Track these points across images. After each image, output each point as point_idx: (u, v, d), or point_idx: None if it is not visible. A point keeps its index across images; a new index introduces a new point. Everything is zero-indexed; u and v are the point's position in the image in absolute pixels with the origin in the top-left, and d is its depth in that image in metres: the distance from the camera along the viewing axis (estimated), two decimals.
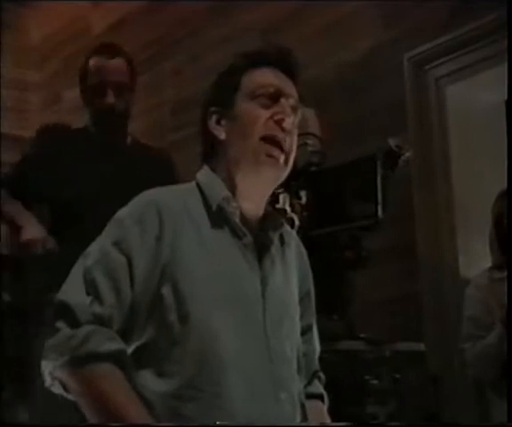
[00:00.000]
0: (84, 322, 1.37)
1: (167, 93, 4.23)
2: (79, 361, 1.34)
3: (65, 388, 1.38)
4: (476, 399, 2.84)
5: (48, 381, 1.39)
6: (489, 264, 2.88)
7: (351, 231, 2.63)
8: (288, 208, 2.54)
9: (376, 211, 2.52)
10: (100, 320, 1.37)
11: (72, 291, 1.41)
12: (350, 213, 2.62)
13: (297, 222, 2.35)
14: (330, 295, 2.57)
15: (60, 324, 1.37)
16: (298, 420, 1.48)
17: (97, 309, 1.38)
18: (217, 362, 1.37)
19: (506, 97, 2.61)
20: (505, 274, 2.71)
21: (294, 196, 2.70)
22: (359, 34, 3.32)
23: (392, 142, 2.57)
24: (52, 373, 1.37)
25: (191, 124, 3.86)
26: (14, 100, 4.85)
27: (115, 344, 1.36)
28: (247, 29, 3.76)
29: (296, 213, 2.53)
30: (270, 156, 1.47)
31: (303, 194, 2.71)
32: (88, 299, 1.38)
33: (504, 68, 2.91)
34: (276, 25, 3.63)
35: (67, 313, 1.37)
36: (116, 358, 1.35)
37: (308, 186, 2.67)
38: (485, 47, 2.95)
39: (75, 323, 1.37)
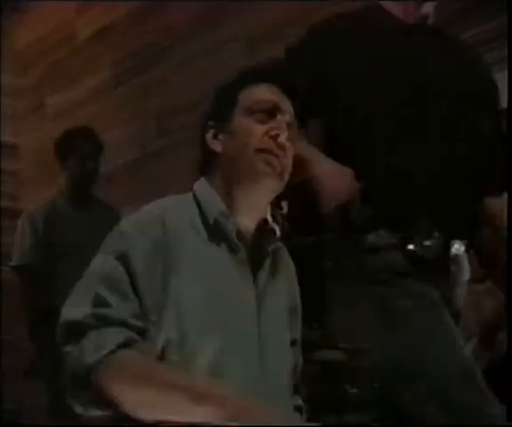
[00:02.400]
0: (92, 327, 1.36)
1: (152, 102, 4.24)
2: (97, 363, 1.32)
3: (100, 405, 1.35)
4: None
5: (79, 409, 1.36)
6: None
7: (332, 241, 2.65)
8: (269, 218, 2.56)
9: None
10: (109, 321, 1.36)
11: (75, 307, 1.39)
12: (332, 221, 2.64)
13: (278, 233, 2.36)
14: (310, 305, 2.59)
15: (69, 347, 1.35)
16: None
17: (105, 311, 1.36)
18: (213, 376, 1.38)
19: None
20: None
21: (276, 206, 2.72)
22: None
23: None
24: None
25: (176, 132, 3.92)
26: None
27: (121, 335, 1.35)
28: (233, 39, 3.79)
29: (277, 224, 2.54)
30: (266, 170, 1.49)
31: (285, 204, 2.73)
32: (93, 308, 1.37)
33: (500, 77, 2.95)
34: (261, 35, 3.66)
35: (73, 329, 1.36)
36: (128, 344, 1.34)
37: (289, 196, 2.69)
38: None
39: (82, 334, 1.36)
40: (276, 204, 2.74)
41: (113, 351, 1.32)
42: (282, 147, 1.51)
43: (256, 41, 3.67)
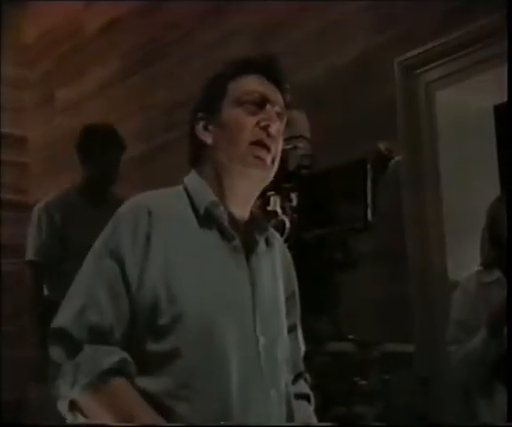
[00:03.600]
0: (84, 340, 1.40)
1: (160, 95, 4.24)
2: (90, 385, 1.37)
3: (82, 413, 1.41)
4: (463, 402, 2.85)
5: (67, 415, 1.42)
6: (477, 267, 2.89)
7: (341, 234, 2.64)
8: (279, 210, 2.57)
9: (366, 214, 2.52)
10: (100, 331, 1.40)
11: (66, 313, 1.44)
12: (340, 215, 2.63)
13: (288, 225, 2.37)
14: (319, 297, 2.60)
15: (58, 350, 1.41)
16: (285, 417, 1.52)
17: (96, 319, 1.40)
18: (209, 361, 1.40)
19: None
20: (494, 278, 2.75)
21: (285, 198, 2.73)
22: (350, 38, 3.33)
23: (382, 146, 2.59)
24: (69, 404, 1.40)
25: (183, 125, 3.93)
26: (8, 99, 4.86)
27: (116, 356, 1.39)
28: (239, 33, 3.79)
29: (287, 216, 2.55)
30: (257, 157, 1.50)
31: (294, 196, 2.73)
32: (85, 314, 1.41)
33: (493, 74, 2.94)
34: (268, 29, 3.65)
35: (65, 338, 1.41)
36: (120, 369, 1.38)
37: (298, 189, 2.69)
38: (475, 53, 2.96)
39: (74, 346, 1.40)
40: (285, 196, 2.76)
41: (106, 373, 1.37)
42: (272, 137, 1.52)
43: (261, 35, 3.67)
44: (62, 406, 1.41)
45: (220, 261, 1.48)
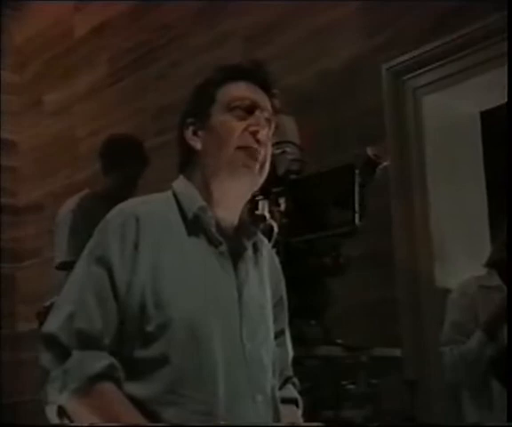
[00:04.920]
0: (72, 346, 1.41)
1: (149, 98, 4.25)
2: (78, 390, 1.38)
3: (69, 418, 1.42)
4: (451, 404, 2.90)
5: (55, 421, 1.42)
6: (465, 271, 2.94)
7: (329, 238, 2.64)
8: (267, 215, 2.57)
9: (354, 218, 2.52)
10: (89, 336, 1.41)
11: (55, 320, 1.45)
12: (329, 220, 2.63)
13: (276, 229, 2.37)
14: (308, 301, 2.61)
15: (47, 356, 1.42)
16: (270, 420, 1.53)
17: (84, 325, 1.41)
18: (196, 367, 1.41)
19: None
20: (494, 283, 2.79)
21: (273, 203, 2.73)
22: (339, 43, 3.36)
23: (370, 151, 2.60)
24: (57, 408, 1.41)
25: (173, 129, 3.93)
26: None
27: (104, 361, 1.40)
28: (230, 37, 3.80)
29: (275, 220, 2.56)
30: (245, 165, 1.51)
31: (282, 201, 2.74)
32: (73, 320, 1.42)
33: (480, 81, 2.99)
34: (258, 33, 3.67)
35: (53, 344, 1.42)
36: (108, 374, 1.39)
37: (287, 193, 2.70)
38: (463, 59, 2.99)
39: (63, 352, 1.41)
40: (274, 201, 2.77)
41: (95, 378, 1.38)
42: (261, 143, 1.53)
43: (251, 39, 3.68)
44: (50, 413, 1.41)
45: (208, 266, 1.49)
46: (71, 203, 3.47)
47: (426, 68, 3.09)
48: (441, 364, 2.81)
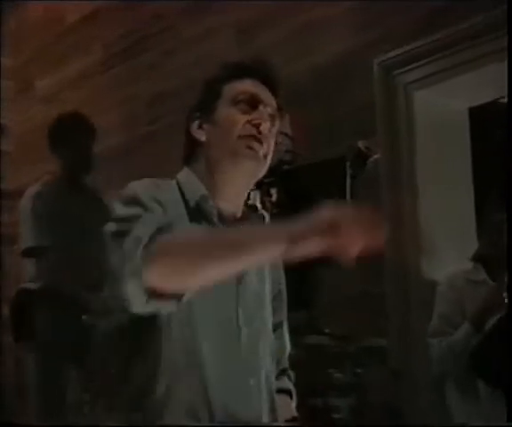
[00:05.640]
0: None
1: (142, 86, 4.26)
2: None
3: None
4: (436, 395, 2.90)
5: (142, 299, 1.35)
6: (454, 264, 2.97)
7: None
8: (259, 205, 2.61)
9: None
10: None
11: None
12: None
13: (267, 219, 2.42)
14: (297, 291, 2.65)
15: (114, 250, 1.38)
16: (265, 406, 1.57)
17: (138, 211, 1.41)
18: (196, 346, 1.45)
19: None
20: (481, 278, 2.83)
21: (265, 193, 2.77)
22: (332, 38, 3.37)
23: (361, 144, 2.65)
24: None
25: (165, 117, 3.96)
26: None
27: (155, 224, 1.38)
28: (223, 28, 3.82)
29: (267, 211, 2.60)
30: (249, 147, 1.54)
31: (274, 191, 2.78)
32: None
33: (469, 77, 3.01)
34: (250, 26, 3.69)
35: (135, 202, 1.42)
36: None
37: (278, 184, 2.74)
38: (452, 56, 3.01)
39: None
40: (265, 191, 2.80)
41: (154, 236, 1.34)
42: (263, 135, 1.57)
43: (244, 31, 3.70)
44: (134, 290, 1.34)
45: None
46: (32, 189, 3.48)
47: (417, 64, 3.11)
48: (428, 355, 2.83)
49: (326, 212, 1.24)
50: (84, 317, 3.13)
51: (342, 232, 1.22)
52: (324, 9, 3.39)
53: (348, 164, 2.67)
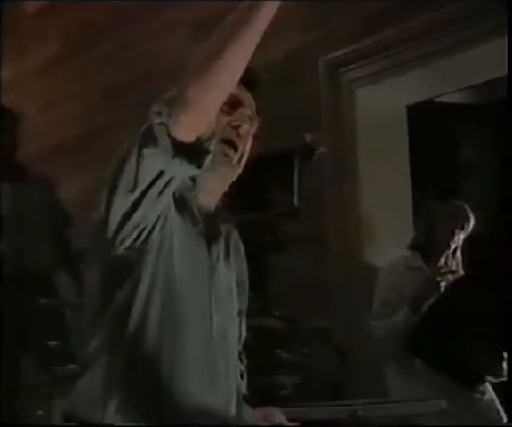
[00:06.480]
0: None
1: (98, 78, 4.28)
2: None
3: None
4: (376, 373, 3.01)
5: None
6: (393, 250, 3.10)
7: (270, 218, 2.81)
8: None
9: (292, 200, 2.72)
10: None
11: None
12: (269, 201, 2.79)
13: (222, 207, 2.53)
14: (249, 277, 2.77)
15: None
16: (232, 390, 1.64)
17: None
18: (175, 326, 1.53)
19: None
20: (417, 264, 2.96)
21: None
22: (280, 36, 3.44)
23: (308, 138, 2.75)
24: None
25: (121, 109, 3.99)
26: None
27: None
28: (178, 25, 3.88)
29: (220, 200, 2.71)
30: (225, 155, 1.61)
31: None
32: None
33: (408, 77, 3.17)
34: (205, 23, 3.62)
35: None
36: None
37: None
38: (393, 56, 3.16)
39: None
40: None
41: None
42: (241, 137, 1.63)
43: (199, 27, 3.74)
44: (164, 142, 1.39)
45: (188, 241, 1.59)
46: None
47: (359, 64, 3.25)
48: (370, 336, 2.94)
49: None
50: (42, 300, 3.22)
51: None
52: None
53: (295, 156, 2.77)
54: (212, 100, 1.41)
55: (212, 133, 1.44)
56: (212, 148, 1.44)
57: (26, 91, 4.49)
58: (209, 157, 1.44)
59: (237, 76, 1.43)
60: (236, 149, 1.62)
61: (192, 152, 1.40)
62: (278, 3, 1.38)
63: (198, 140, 1.41)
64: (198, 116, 1.40)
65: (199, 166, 1.42)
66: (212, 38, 1.42)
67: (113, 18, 4.23)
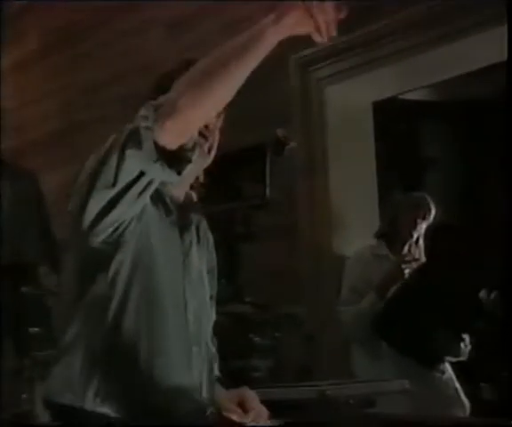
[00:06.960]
0: None
1: (77, 75, 4.34)
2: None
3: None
4: (343, 354, 3.15)
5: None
6: (361, 240, 3.21)
7: (243, 209, 2.90)
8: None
9: (265, 192, 2.81)
10: None
11: None
12: (242, 193, 2.88)
13: (195, 199, 2.63)
14: (222, 265, 2.88)
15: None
16: (205, 373, 1.71)
17: None
18: (153, 312, 1.58)
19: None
20: (383, 252, 3.07)
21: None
22: None
23: (279, 133, 2.85)
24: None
25: (99, 106, 4.07)
26: None
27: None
28: (153, 24, 3.96)
29: (194, 191, 2.82)
30: (197, 143, 1.62)
31: (201, 174, 2.98)
32: None
33: (374, 75, 3.27)
34: (180, 22, 3.84)
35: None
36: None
37: (206, 168, 2.95)
38: (360, 55, 3.26)
39: None
40: None
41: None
42: (209, 130, 1.70)
43: (175, 26, 3.85)
44: (148, 145, 1.42)
45: (162, 232, 1.67)
46: None
47: (328, 62, 3.33)
48: (338, 321, 3.04)
49: None
50: (23, 288, 3.30)
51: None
52: (247, 7, 3.49)
53: (267, 150, 2.87)
54: (200, 113, 1.46)
55: (195, 144, 1.48)
56: (194, 158, 1.48)
57: (5, 86, 4.47)
58: (189, 166, 1.48)
59: (229, 98, 1.48)
60: (206, 139, 1.69)
61: (174, 159, 1.44)
62: (280, 36, 1.46)
63: (181, 148, 1.45)
64: (184, 126, 1.44)
65: (179, 173, 1.45)
66: (212, 55, 1.46)
67: (92, 17, 4.28)
